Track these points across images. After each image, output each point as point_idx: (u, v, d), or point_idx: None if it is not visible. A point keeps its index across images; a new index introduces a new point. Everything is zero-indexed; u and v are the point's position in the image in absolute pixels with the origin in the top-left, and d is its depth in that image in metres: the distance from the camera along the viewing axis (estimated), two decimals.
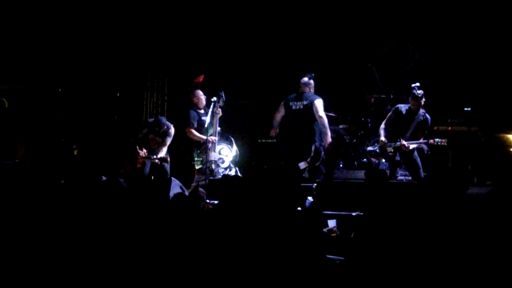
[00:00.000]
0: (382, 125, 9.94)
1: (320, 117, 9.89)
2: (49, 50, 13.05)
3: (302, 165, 9.87)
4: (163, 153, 10.37)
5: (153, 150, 10.40)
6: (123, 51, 13.33)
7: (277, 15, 13.69)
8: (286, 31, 13.75)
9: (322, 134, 10.00)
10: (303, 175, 9.71)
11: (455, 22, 12.86)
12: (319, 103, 9.90)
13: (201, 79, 10.41)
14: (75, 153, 12.47)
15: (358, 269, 5.53)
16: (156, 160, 10.28)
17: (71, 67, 13.30)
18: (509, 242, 4.31)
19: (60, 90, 13.12)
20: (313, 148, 9.93)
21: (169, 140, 10.54)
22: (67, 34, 13.08)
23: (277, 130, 10.27)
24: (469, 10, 12.79)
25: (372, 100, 11.53)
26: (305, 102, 9.95)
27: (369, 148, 10.54)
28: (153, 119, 10.82)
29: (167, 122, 10.61)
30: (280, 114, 10.24)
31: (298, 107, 9.97)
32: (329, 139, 10.05)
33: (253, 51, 13.48)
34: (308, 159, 9.90)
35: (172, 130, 10.57)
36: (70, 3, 13.05)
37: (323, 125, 9.95)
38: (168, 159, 10.41)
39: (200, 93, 10.29)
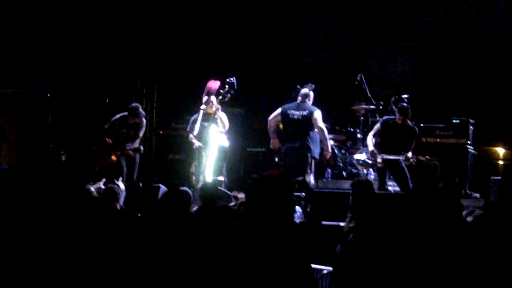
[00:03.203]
0: (370, 136, 9.96)
1: (321, 128, 9.90)
2: (38, 55, 13.01)
3: (309, 178, 9.93)
4: (136, 144, 10.30)
5: (124, 143, 10.36)
6: (113, 57, 13.30)
7: (268, 24, 13.72)
8: (277, 40, 13.78)
9: (317, 146, 10.03)
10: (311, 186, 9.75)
11: (446, 36, 12.94)
12: (318, 115, 9.89)
13: (217, 86, 10.24)
14: (63, 159, 12.40)
15: (346, 280, 5.52)
16: (130, 152, 10.19)
17: (60, 73, 13.25)
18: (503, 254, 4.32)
19: (48, 95, 13.07)
20: (309, 157, 9.93)
21: (141, 132, 10.55)
22: (56, 40, 13.05)
23: (277, 140, 10.20)
24: (460, 24, 12.88)
25: (362, 110, 11.55)
26: (304, 113, 9.89)
27: (357, 157, 10.53)
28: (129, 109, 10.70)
29: (143, 113, 10.59)
30: (275, 122, 10.19)
31: (296, 116, 9.93)
32: (330, 150, 10.12)
33: (243, 60, 13.50)
34: (308, 170, 9.94)
35: (144, 123, 10.57)
36: (60, 9, 13.03)
37: (324, 136, 9.98)
38: (142, 150, 10.37)
39: (214, 99, 10.05)
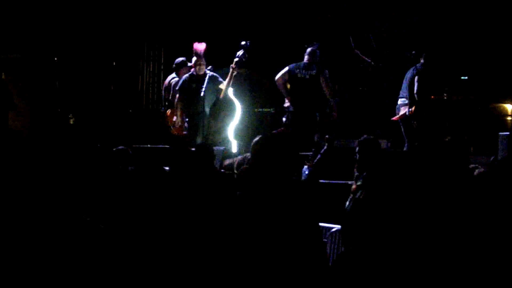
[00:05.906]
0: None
1: (329, 88, 9.93)
2: (44, 19, 12.97)
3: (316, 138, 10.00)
4: None
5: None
6: (120, 20, 13.24)
7: None
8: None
9: (325, 106, 10.08)
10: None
11: None
12: (326, 74, 9.90)
13: (204, 47, 10.19)
14: (71, 122, 12.44)
15: (354, 238, 5.54)
16: None
17: (67, 36, 13.22)
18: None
19: (55, 59, 13.05)
20: (317, 117, 9.98)
21: None
22: (63, 3, 12.99)
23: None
24: None
25: (370, 69, 11.51)
26: (312, 72, 9.90)
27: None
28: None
29: None
30: (283, 81, 10.17)
31: (304, 75, 9.93)
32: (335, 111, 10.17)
33: (249, 19, 13.40)
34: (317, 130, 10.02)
35: None
36: None
37: (332, 96, 10.02)
38: None
39: (203, 60, 10.05)
